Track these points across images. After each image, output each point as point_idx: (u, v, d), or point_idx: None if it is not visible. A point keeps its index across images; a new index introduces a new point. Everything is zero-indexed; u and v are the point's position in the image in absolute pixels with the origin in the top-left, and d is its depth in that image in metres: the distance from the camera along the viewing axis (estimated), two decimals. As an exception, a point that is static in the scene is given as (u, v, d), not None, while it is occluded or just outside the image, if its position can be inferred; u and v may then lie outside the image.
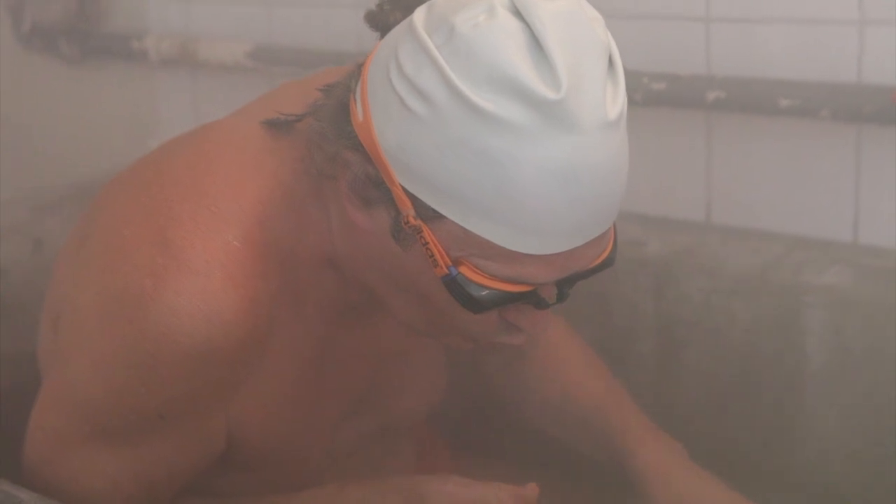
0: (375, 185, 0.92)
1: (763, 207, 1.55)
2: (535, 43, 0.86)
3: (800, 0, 1.46)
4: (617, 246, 0.98)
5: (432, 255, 0.91)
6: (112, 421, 0.99)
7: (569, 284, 0.96)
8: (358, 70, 0.95)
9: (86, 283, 1.01)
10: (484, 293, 0.91)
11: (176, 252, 0.96)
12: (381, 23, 0.97)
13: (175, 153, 1.05)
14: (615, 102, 0.89)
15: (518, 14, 0.87)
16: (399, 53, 0.89)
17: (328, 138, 0.95)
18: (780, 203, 1.54)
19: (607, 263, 0.97)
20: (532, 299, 0.94)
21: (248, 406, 1.04)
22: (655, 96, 1.54)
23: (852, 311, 1.40)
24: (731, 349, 1.49)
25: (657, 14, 1.57)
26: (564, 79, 0.85)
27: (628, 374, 1.53)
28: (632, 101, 1.54)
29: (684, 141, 1.59)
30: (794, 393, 1.45)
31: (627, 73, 1.53)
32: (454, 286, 0.91)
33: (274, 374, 1.03)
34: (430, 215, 0.90)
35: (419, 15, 0.90)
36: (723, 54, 1.53)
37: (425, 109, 0.87)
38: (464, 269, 0.91)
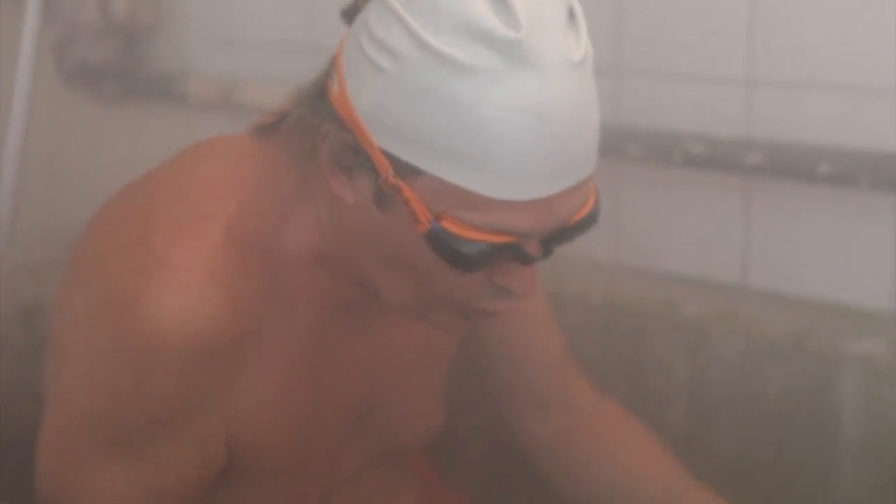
0: (354, 152, 0.94)
1: (800, 272, 1.55)
2: None
3: (842, 66, 1.46)
4: (599, 204, 0.98)
5: (413, 213, 0.92)
6: (110, 429, 1.00)
7: (553, 241, 0.96)
8: (333, 59, 0.98)
9: (75, 290, 1.02)
10: (467, 246, 0.92)
11: (159, 252, 0.98)
12: (356, 17, 1.00)
13: (161, 167, 1.07)
14: (578, 46, 0.92)
15: None
16: (368, 20, 0.94)
17: (306, 117, 0.98)
18: (817, 269, 1.53)
19: (589, 220, 0.97)
20: (517, 254, 0.95)
21: (244, 407, 1.04)
22: (694, 158, 1.54)
23: (889, 380, 1.39)
24: (765, 415, 1.47)
25: (698, 75, 1.57)
26: (523, 19, 0.88)
27: (660, 435, 1.52)
28: (670, 162, 1.56)
29: (722, 203, 1.59)
30: (828, 462, 1.43)
31: (666, 134, 1.56)
32: (437, 241, 0.92)
33: (267, 373, 1.04)
34: (408, 172, 0.92)
35: None
36: (763, 118, 1.53)
37: (394, 65, 0.90)
38: (445, 223, 0.92)
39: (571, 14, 0.93)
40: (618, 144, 1.59)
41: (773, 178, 1.52)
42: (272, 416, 1.06)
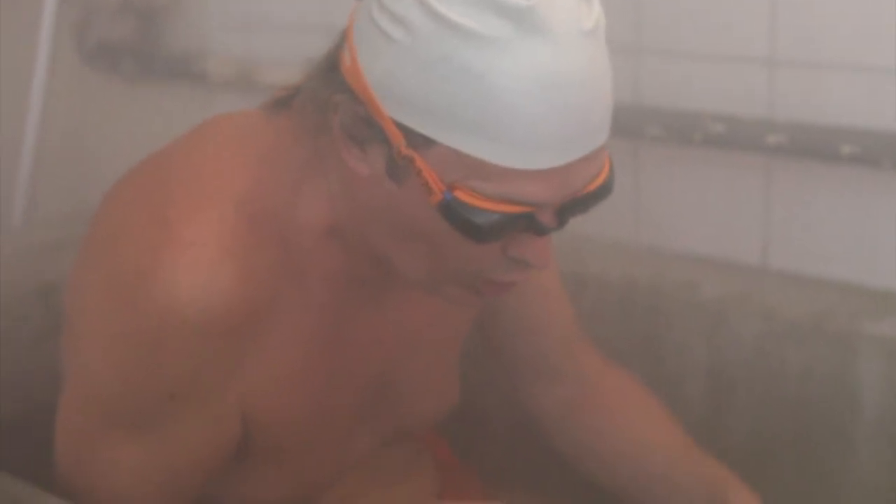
0: (367, 124, 0.94)
1: (820, 254, 1.54)
2: None
3: (865, 47, 1.45)
4: (614, 174, 0.98)
5: (426, 183, 0.92)
6: (127, 406, 1.00)
7: (568, 212, 0.96)
8: (344, 32, 0.98)
9: (89, 268, 1.03)
10: (480, 216, 0.92)
11: (172, 228, 0.98)
12: None
13: (173, 144, 1.08)
14: (590, 15, 0.92)
15: None
16: None
17: (318, 90, 0.98)
18: (837, 250, 1.53)
19: (604, 190, 0.97)
20: (531, 224, 0.94)
21: (259, 385, 1.04)
22: (715, 138, 1.53)
23: (908, 362, 1.38)
24: (783, 395, 1.47)
25: (720, 55, 1.56)
26: None
27: (677, 416, 1.52)
28: (691, 142, 1.55)
29: (743, 184, 1.58)
30: (846, 443, 1.43)
31: (687, 114, 1.54)
32: (450, 212, 0.92)
33: (281, 350, 1.04)
34: (421, 142, 0.92)
35: None
36: (785, 98, 1.52)
37: (405, 35, 0.90)
38: (458, 193, 0.92)
39: None
40: (637, 124, 1.59)
41: (795, 158, 1.51)
42: (286, 392, 1.06)
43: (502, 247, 0.97)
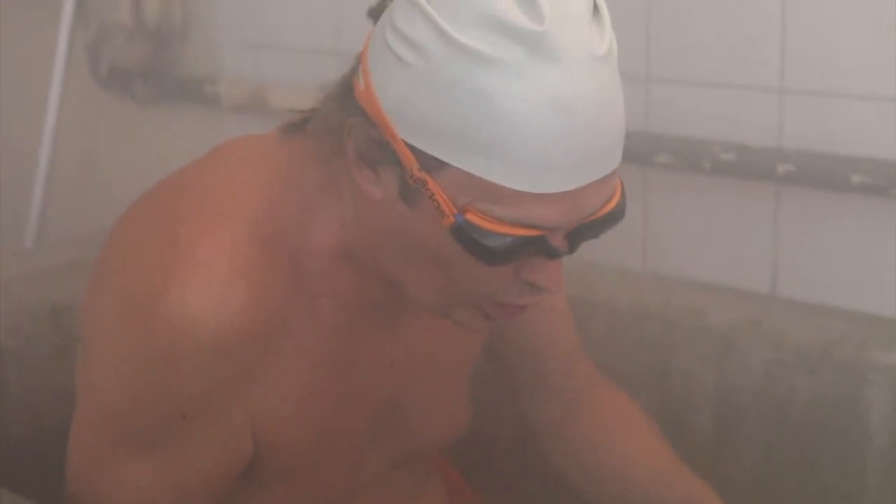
0: (380, 147, 0.95)
1: (829, 282, 1.54)
2: None
3: (875, 77, 1.46)
4: (626, 199, 0.98)
5: (438, 206, 0.93)
6: (137, 426, 1.01)
7: (579, 236, 0.96)
8: (359, 56, 0.99)
9: (102, 288, 1.03)
10: (492, 239, 0.92)
11: (184, 248, 0.98)
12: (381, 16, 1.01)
13: (186, 167, 1.08)
14: (602, 40, 0.92)
15: None
16: (393, 16, 0.94)
17: (332, 114, 0.99)
18: (846, 278, 1.53)
19: (615, 215, 0.97)
20: (543, 248, 0.95)
21: (270, 406, 1.04)
22: (724, 166, 1.54)
23: (917, 392, 1.38)
24: (791, 424, 1.47)
25: (730, 83, 1.57)
26: (547, 12, 0.89)
27: (685, 443, 1.52)
28: (700, 170, 1.56)
29: (752, 212, 1.59)
30: (854, 471, 1.43)
31: (697, 141, 1.55)
32: (462, 234, 0.92)
33: (292, 370, 1.04)
34: (433, 165, 0.92)
35: None
36: (795, 127, 1.53)
37: (419, 59, 0.91)
38: (470, 216, 0.92)
39: (596, 8, 0.94)
40: (647, 151, 1.59)
41: (804, 187, 1.51)
42: (296, 413, 1.06)
43: (514, 270, 0.97)
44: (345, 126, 0.97)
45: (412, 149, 0.93)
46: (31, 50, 2.20)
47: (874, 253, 1.50)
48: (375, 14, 1.00)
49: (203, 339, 0.97)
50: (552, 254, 0.95)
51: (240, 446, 1.04)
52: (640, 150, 1.59)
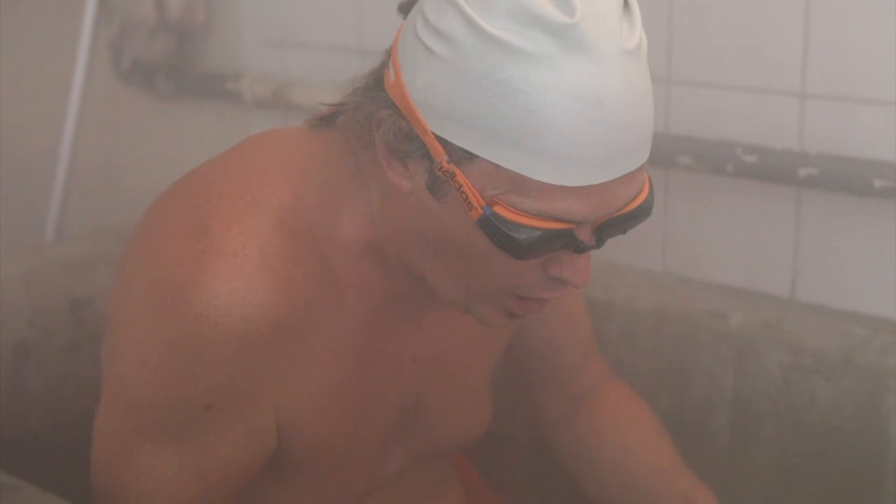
0: (409, 139, 0.95)
1: (850, 287, 1.53)
2: None
3: (898, 81, 1.45)
4: (653, 195, 0.99)
5: (467, 199, 0.93)
6: (163, 414, 1.01)
7: (607, 231, 0.96)
8: (389, 50, 1.00)
9: (131, 278, 1.04)
10: (520, 232, 0.92)
11: (213, 239, 0.99)
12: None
13: (215, 159, 1.09)
14: (632, 34, 0.93)
15: None
16: (424, 8, 0.95)
17: (362, 106, 0.99)
18: (867, 284, 1.52)
19: (643, 210, 0.97)
20: (570, 242, 0.95)
21: (295, 398, 1.05)
22: (747, 168, 1.53)
23: (937, 398, 1.37)
24: (809, 428, 1.46)
25: (753, 86, 1.57)
26: (578, 5, 0.89)
27: (702, 445, 1.52)
28: (723, 172, 1.55)
29: (773, 215, 1.58)
30: (872, 478, 1.42)
31: (720, 144, 1.55)
32: (490, 227, 0.93)
33: (317, 364, 1.05)
34: (462, 157, 0.92)
35: None
36: (817, 131, 1.52)
37: (449, 50, 0.91)
38: (498, 209, 0.92)
39: (626, 3, 0.94)
40: (669, 154, 1.59)
41: (826, 190, 1.51)
42: (321, 406, 1.06)
43: (541, 265, 0.98)
44: (374, 118, 0.98)
45: (441, 141, 0.93)
46: (53, 44, 2.21)
47: (895, 258, 1.49)
48: (406, 8, 1.00)
49: (230, 328, 0.97)
50: (579, 248, 0.95)
51: (264, 439, 1.05)
52: (661, 152, 1.59)
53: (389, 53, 0.99)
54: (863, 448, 1.43)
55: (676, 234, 1.67)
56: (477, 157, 0.92)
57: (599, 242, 0.97)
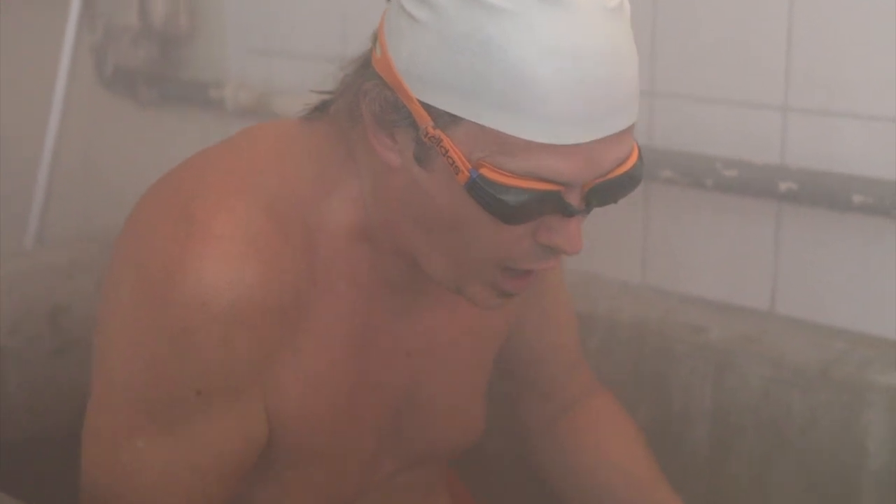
0: (395, 108, 0.96)
1: (829, 301, 1.54)
2: None
3: (879, 97, 1.46)
4: (643, 163, 0.99)
5: (453, 163, 0.93)
6: (153, 404, 1.00)
7: (595, 195, 0.96)
8: (376, 32, 1.00)
9: (118, 269, 1.03)
10: (507, 194, 0.92)
11: (199, 224, 0.99)
12: None
13: (208, 149, 1.09)
14: None
15: None
16: None
17: (351, 84, 1.01)
18: (846, 298, 1.53)
19: (632, 178, 0.98)
20: (559, 205, 0.95)
21: (285, 385, 1.04)
22: (727, 182, 1.54)
23: (915, 413, 1.38)
24: (788, 442, 1.47)
25: (734, 100, 1.57)
26: None
27: (682, 457, 1.52)
28: (703, 186, 1.56)
29: (753, 229, 1.59)
30: (850, 492, 1.43)
31: (701, 157, 1.55)
32: (477, 190, 0.93)
33: (308, 350, 1.04)
34: (447, 121, 0.93)
35: None
36: (798, 146, 1.53)
37: (431, 15, 0.92)
38: (485, 171, 0.93)
39: None
40: (650, 167, 1.59)
41: (806, 205, 1.51)
42: (311, 393, 1.06)
43: (531, 233, 0.98)
44: (360, 91, 0.98)
45: (426, 107, 0.94)
46: (36, 49, 2.21)
47: (874, 273, 1.50)
48: None
49: (218, 311, 0.97)
50: (568, 211, 0.95)
51: (256, 426, 1.04)
52: (643, 166, 1.59)
53: (376, 35, 1.00)
54: (841, 461, 1.43)
55: (657, 247, 1.68)
56: (461, 119, 0.92)
57: (588, 207, 0.96)
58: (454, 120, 0.93)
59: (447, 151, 0.93)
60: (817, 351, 1.48)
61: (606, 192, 0.96)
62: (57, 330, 1.69)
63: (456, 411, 1.21)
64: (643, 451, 1.32)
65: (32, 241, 2.07)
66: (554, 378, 1.33)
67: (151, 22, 2.10)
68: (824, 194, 1.48)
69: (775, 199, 1.54)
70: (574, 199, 0.95)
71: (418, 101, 0.94)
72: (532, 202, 0.93)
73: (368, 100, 0.97)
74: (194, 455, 1.02)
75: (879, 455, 1.40)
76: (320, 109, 1.07)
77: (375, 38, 1.00)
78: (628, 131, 0.96)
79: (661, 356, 1.56)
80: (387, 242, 1.05)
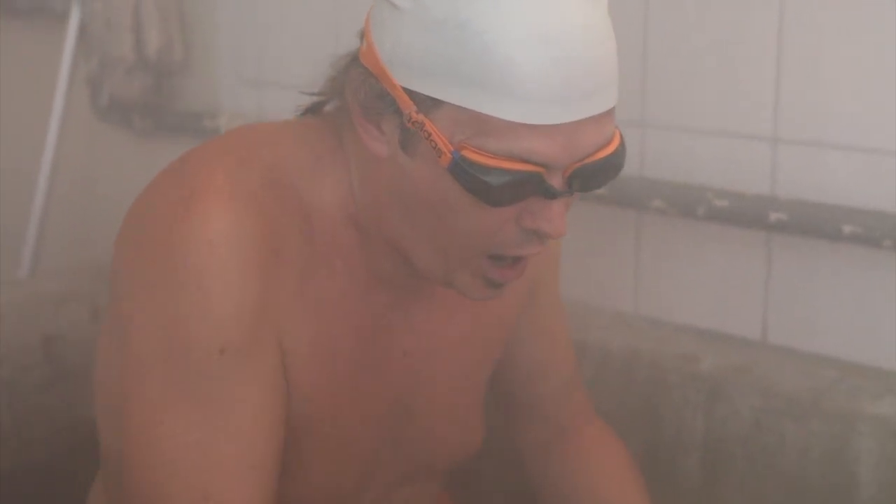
0: (380, 97, 0.98)
1: (820, 331, 1.55)
2: None
3: (867, 128, 1.47)
4: (625, 149, 1.00)
5: (436, 146, 0.95)
6: (180, 368, 0.98)
7: (577, 178, 0.97)
8: (362, 30, 1.02)
9: (129, 237, 1.04)
10: (490, 175, 0.94)
11: (201, 185, 1.00)
12: None
13: (199, 146, 1.10)
14: None
15: None
16: None
17: (338, 77, 1.03)
18: (837, 328, 1.53)
19: (613, 161, 0.99)
20: (540, 186, 0.96)
21: (292, 341, 1.04)
22: (718, 212, 1.55)
23: (906, 442, 1.38)
24: (779, 471, 1.47)
25: (725, 131, 1.58)
26: None
27: (673, 487, 1.52)
28: (694, 216, 1.57)
29: (744, 259, 1.60)
30: (841, 522, 1.43)
31: (692, 187, 1.56)
32: (460, 171, 0.94)
33: (311, 313, 1.04)
34: (430, 106, 0.95)
35: None
36: (788, 176, 1.54)
37: (410, 3, 0.95)
38: (467, 153, 0.94)
39: None
40: (641, 196, 1.60)
41: (796, 235, 1.52)
42: (314, 357, 1.05)
43: (515, 218, 0.99)
44: (347, 81, 1.01)
45: (409, 93, 0.96)
46: (32, 80, 2.21)
47: (865, 303, 1.50)
48: None
49: (226, 255, 0.97)
50: (550, 193, 0.96)
51: (282, 383, 1.03)
52: (634, 195, 1.60)
53: (362, 33, 1.02)
54: (832, 491, 1.43)
55: (648, 277, 1.69)
56: (442, 102, 0.94)
57: (571, 190, 0.97)
58: (436, 104, 0.95)
59: (430, 135, 0.95)
60: (808, 380, 1.48)
61: (588, 175, 0.98)
62: (50, 359, 1.69)
63: (455, 420, 1.21)
64: (635, 483, 1.32)
65: (27, 271, 2.07)
66: (550, 398, 1.32)
67: (146, 53, 2.12)
68: (814, 225, 1.48)
69: (766, 230, 1.54)
70: (556, 182, 0.97)
71: (401, 87, 0.96)
72: (514, 183, 0.95)
73: (354, 89, 1.00)
74: (232, 420, 0.99)
75: (870, 484, 1.40)
76: (312, 111, 1.09)
77: (362, 35, 1.02)
78: (608, 115, 0.97)
79: (652, 385, 1.56)
80: (378, 236, 1.06)
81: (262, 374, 1.01)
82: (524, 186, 0.95)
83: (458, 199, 0.97)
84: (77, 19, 2.15)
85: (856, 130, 1.48)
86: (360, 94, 0.99)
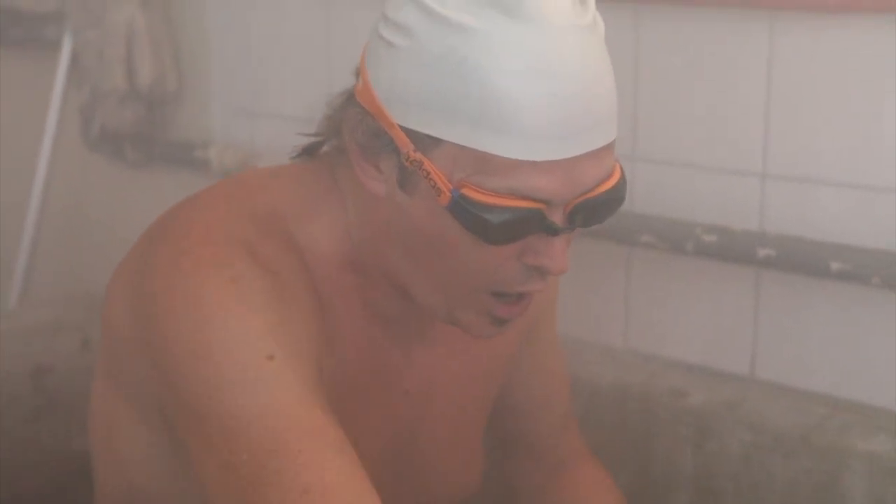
0: (377, 135, 0.97)
1: (809, 367, 1.55)
2: None
3: (856, 165, 1.48)
4: (626, 183, 0.99)
5: (435, 185, 0.94)
6: (242, 388, 0.93)
7: (578, 214, 0.97)
8: (358, 68, 1.02)
9: (120, 291, 1.02)
10: (490, 213, 0.93)
11: (195, 236, 0.98)
12: None
13: (191, 197, 1.09)
14: (585, 12, 0.95)
15: None
16: (385, 9, 0.98)
17: (335, 116, 1.02)
18: (826, 364, 1.54)
19: (614, 195, 0.98)
20: (542, 224, 0.95)
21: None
22: (706, 248, 1.55)
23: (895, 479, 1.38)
24: (769, 507, 1.47)
25: (714, 167, 1.59)
26: None
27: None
28: (683, 251, 1.57)
29: (733, 294, 1.60)
30: (830, 558, 1.43)
31: (681, 223, 1.57)
32: (459, 210, 0.94)
33: (322, 340, 1.02)
34: (428, 144, 0.94)
35: None
36: (777, 212, 1.54)
37: (406, 40, 0.94)
38: (466, 191, 0.93)
39: None
40: (631, 231, 1.61)
41: (784, 271, 1.53)
42: (329, 385, 1.03)
43: (517, 255, 0.98)
44: (343, 120, 1.00)
45: (407, 131, 0.95)
46: (23, 109, 2.22)
47: (853, 339, 1.51)
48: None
49: (248, 289, 0.95)
50: (551, 229, 0.96)
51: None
52: (623, 230, 1.61)
53: (358, 70, 1.01)
54: (821, 527, 1.44)
55: (638, 312, 1.69)
56: (441, 141, 0.93)
57: (572, 226, 0.97)
58: (434, 142, 0.94)
59: (429, 174, 0.94)
60: (797, 416, 1.48)
61: (589, 210, 0.97)
62: (40, 390, 1.68)
63: (455, 456, 1.20)
64: None
65: (16, 301, 2.06)
66: (545, 435, 1.32)
67: (138, 83, 2.12)
68: (803, 261, 1.49)
69: (754, 265, 1.55)
70: (557, 218, 0.96)
71: (399, 126, 0.95)
72: (515, 221, 0.94)
73: (351, 129, 0.99)
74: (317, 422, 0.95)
75: (859, 521, 1.41)
76: (308, 152, 1.08)
77: (358, 73, 1.01)
78: (608, 149, 0.97)
79: (642, 421, 1.56)
80: (377, 274, 1.05)
81: (311, 376, 0.97)
82: (525, 223, 0.95)
83: (458, 238, 0.96)
84: (69, 49, 2.16)
85: (844, 167, 1.49)
86: (357, 134, 0.98)
